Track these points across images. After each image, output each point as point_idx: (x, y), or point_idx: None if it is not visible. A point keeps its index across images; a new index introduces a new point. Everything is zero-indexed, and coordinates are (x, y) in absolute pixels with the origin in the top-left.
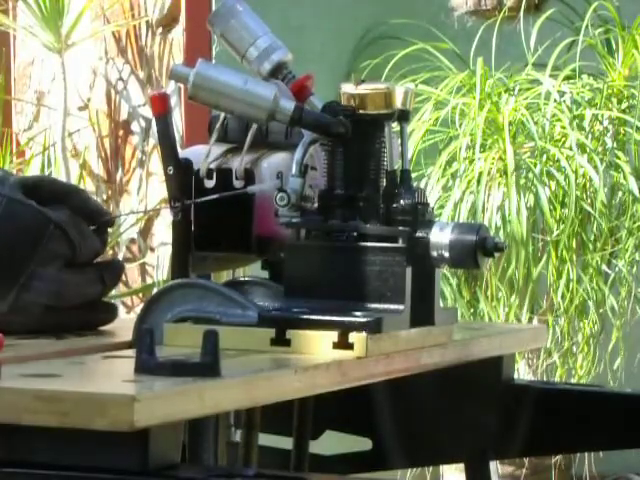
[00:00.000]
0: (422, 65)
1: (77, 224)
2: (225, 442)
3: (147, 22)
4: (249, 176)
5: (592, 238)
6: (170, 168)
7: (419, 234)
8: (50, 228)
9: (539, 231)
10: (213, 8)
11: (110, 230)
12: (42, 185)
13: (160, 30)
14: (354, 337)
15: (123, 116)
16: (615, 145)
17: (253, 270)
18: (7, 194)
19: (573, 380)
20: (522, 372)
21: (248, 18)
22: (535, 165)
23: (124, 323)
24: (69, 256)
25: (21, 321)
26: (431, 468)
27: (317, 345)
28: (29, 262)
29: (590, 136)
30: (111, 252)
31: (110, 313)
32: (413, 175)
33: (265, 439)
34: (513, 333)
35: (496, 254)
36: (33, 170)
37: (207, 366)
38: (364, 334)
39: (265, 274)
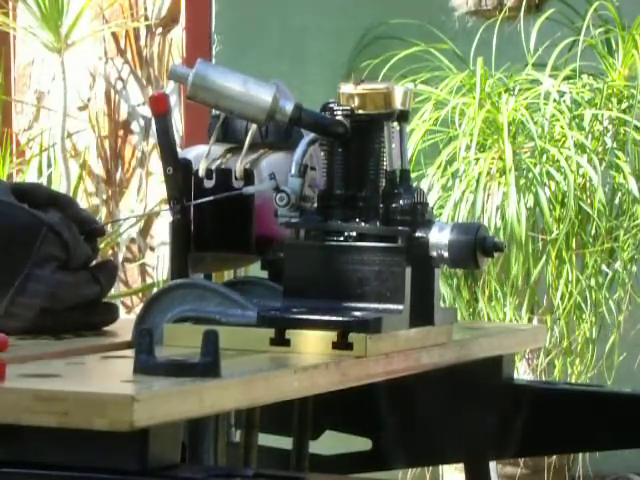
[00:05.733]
0: (422, 65)
1: (70, 227)
2: (225, 442)
3: (146, 22)
4: (248, 176)
5: (591, 238)
6: (169, 168)
7: (418, 234)
8: (43, 230)
9: (539, 231)
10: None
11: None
12: (34, 190)
13: (160, 30)
14: (353, 337)
15: (123, 116)
16: (615, 145)
17: (253, 270)
18: None
19: (572, 380)
20: (522, 372)
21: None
22: (535, 165)
23: (124, 323)
24: (63, 258)
25: (16, 323)
26: (431, 468)
27: (316, 345)
28: (24, 265)
29: (590, 136)
30: (111, 252)
31: (111, 314)
32: (413, 175)
33: (265, 439)
34: (512, 333)
35: (495, 254)
36: (33, 170)
37: (207, 366)
38: (363, 334)
39: (265, 274)
